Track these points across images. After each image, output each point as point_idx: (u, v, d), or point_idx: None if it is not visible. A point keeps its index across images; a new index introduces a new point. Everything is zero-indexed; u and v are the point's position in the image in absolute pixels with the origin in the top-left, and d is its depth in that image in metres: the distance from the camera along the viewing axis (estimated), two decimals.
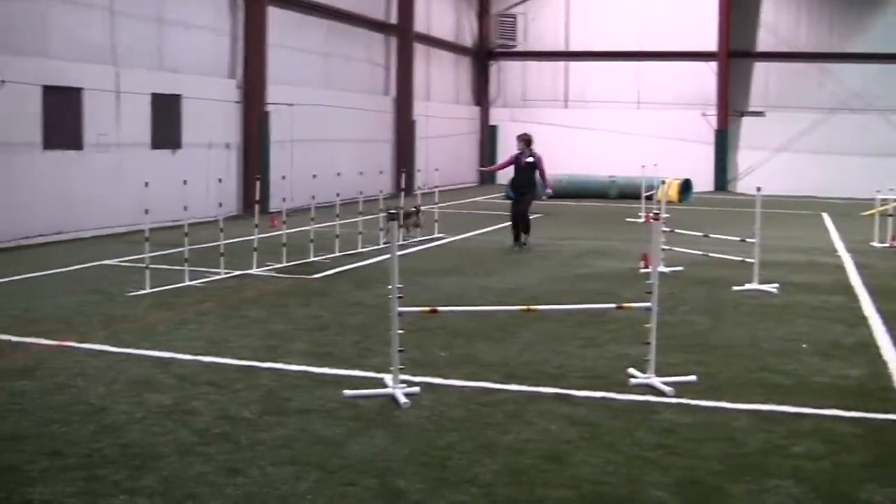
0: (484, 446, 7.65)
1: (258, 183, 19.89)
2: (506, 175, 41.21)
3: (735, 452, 7.61)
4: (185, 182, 19.04)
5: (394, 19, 37.55)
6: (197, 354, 10.47)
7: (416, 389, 9.02)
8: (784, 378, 9.95)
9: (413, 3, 38.14)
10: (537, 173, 21.37)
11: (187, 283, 15.08)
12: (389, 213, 18.30)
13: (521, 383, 9.51)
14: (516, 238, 21.03)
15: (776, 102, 43.90)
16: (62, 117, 20.97)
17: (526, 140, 21.09)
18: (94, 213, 21.77)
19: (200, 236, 19.69)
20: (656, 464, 7.31)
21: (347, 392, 8.96)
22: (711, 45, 43.54)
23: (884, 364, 10.74)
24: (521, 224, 21.04)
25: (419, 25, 39.27)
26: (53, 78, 20.64)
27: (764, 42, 44.13)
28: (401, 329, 9.06)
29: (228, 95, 27.13)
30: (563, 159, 43.38)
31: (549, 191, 21.95)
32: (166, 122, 24.36)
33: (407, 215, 20.88)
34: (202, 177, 24.81)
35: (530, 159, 20.98)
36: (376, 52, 36.67)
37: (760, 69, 44.32)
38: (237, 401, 8.73)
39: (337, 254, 18.65)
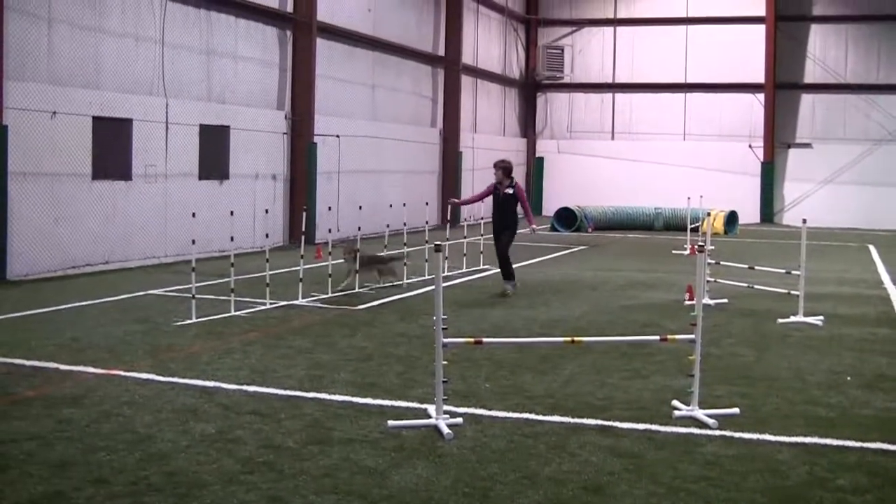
0: (526, 477, 7.66)
1: (304, 214, 19.99)
2: (551, 207, 41.54)
3: (778, 485, 7.58)
4: (231, 213, 19.22)
5: (441, 51, 37.78)
6: (242, 384, 10.54)
7: (459, 420, 9.04)
8: (828, 410, 9.90)
9: (461, 35, 38.39)
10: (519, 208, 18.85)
11: (233, 313, 15.17)
12: (352, 256, 17.29)
13: (564, 415, 9.50)
14: (507, 277, 18.64)
15: (823, 134, 43.81)
16: (111, 148, 21.20)
17: (504, 168, 18.63)
18: (141, 242, 21.97)
19: (247, 267, 19.83)
20: (699, 496, 7.29)
21: (391, 422, 8.99)
22: (758, 76, 43.57)
23: None
24: (503, 269, 18.71)
25: (467, 57, 39.48)
26: (104, 109, 20.90)
27: (811, 74, 44.10)
28: (445, 360, 9.09)
29: (276, 126, 27.34)
30: (609, 190, 43.67)
31: (534, 226, 19.49)
32: (214, 152, 24.56)
33: (374, 261, 18.86)
34: (249, 208, 25.05)
35: (510, 190, 18.46)
36: (423, 83, 36.88)
37: (807, 101, 44.23)
38: (281, 430, 8.79)
39: (382, 284, 18.72)
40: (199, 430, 8.72)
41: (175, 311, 15.17)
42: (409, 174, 34.87)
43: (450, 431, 8.68)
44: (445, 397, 9.15)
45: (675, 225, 36.04)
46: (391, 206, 21.99)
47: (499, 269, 18.88)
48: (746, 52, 43.86)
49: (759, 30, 43.56)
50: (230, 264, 16.00)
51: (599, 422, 9.26)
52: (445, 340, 9.08)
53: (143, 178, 22.06)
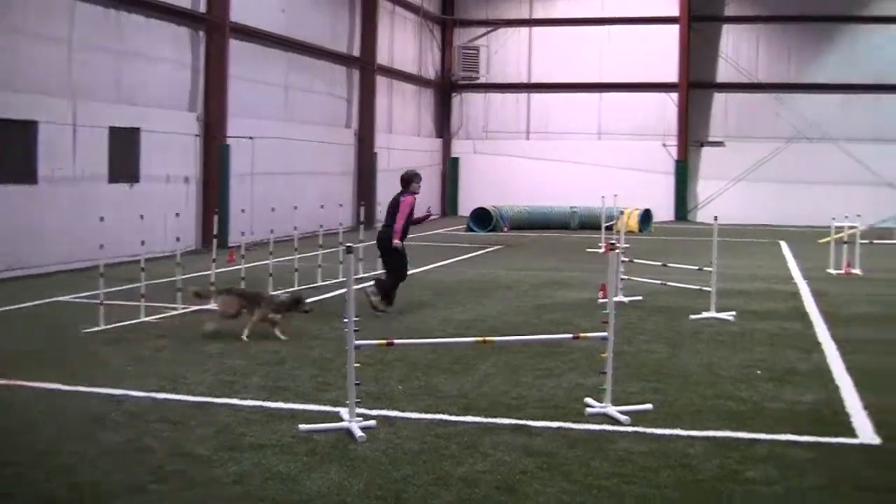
0: (439, 479, 7.62)
1: (216, 217, 19.77)
2: (467, 207, 41.59)
3: (690, 479, 7.65)
4: (142, 217, 18.95)
5: (356, 52, 37.61)
6: (151, 391, 10.36)
7: (372, 423, 8.97)
8: (739, 405, 10.02)
9: (376, 35, 38.27)
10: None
11: (143, 318, 14.95)
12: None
13: (477, 415, 9.48)
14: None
15: (735, 132, 44.39)
16: (16, 151, 20.78)
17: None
18: (49, 248, 21.51)
19: (158, 271, 19.53)
20: (612, 492, 7.32)
21: (303, 426, 8.90)
22: (672, 76, 44.05)
23: (836, 389, 10.88)
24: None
25: (382, 58, 39.35)
26: (8, 111, 20.47)
27: (723, 73, 44.69)
28: (358, 362, 9.03)
29: (188, 128, 27.03)
30: (524, 190, 43.78)
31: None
32: (124, 155, 24.16)
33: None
34: (160, 211, 24.66)
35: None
36: (338, 84, 36.67)
37: (720, 100, 44.82)
38: (192, 437, 8.65)
39: (296, 287, 18.55)
40: (106, 440, 8.56)
41: (83, 319, 14.86)
42: (324, 175, 34.65)
43: (362, 434, 8.62)
44: (358, 400, 9.08)
45: (590, 224, 36.21)
46: (295, 207, 21.74)
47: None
48: (660, 53, 44.27)
49: (673, 30, 44.03)
50: (140, 269, 15.77)
51: (513, 421, 9.26)
52: (357, 343, 9.03)
53: (50, 181, 21.65)
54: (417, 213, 16.53)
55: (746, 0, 44.46)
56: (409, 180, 16.40)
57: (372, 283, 16.43)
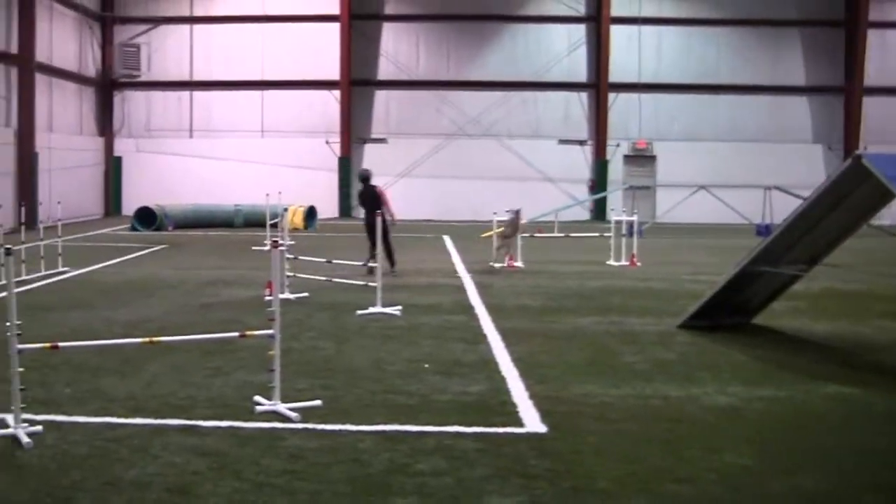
0: (109, 483, 7.52)
1: None
2: (131, 206, 40.68)
3: (360, 473, 7.79)
4: None
5: (14, 49, 36.13)
6: None
7: (38, 429, 8.76)
8: (407, 398, 10.25)
9: (34, 32, 36.83)
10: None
11: None
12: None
13: (147, 416, 9.39)
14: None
15: (397, 129, 45.52)
16: None
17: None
18: None
19: None
20: (283, 489, 7.40)
21: None
22: (334, 73, 44.47)
23: (502, 379, 11.23)
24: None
25: (41, 55, 37.94)
26: None
27: (385, 71, 45.60)
28: (22, 367, 8.80)
29: None
30: (189, 189, 43.30)
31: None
32: None
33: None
34: None
35: None
36: None
37: (382, 97, 45.74)
38: None
39: None
40: None
41: None
42: None
43: (29, 440, 8.42)
44: (24, 405, 8.83)
45: (255, 221, 36.17)
46: None
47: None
48: (322, 50, 44.72)
49: (334, 28, 44.46)
50: None
51: (182, 422, 9.22)
52: (20, 347, 8.82)
53: None
54: None
55: None
56: (369, 176, 22.54)
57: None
